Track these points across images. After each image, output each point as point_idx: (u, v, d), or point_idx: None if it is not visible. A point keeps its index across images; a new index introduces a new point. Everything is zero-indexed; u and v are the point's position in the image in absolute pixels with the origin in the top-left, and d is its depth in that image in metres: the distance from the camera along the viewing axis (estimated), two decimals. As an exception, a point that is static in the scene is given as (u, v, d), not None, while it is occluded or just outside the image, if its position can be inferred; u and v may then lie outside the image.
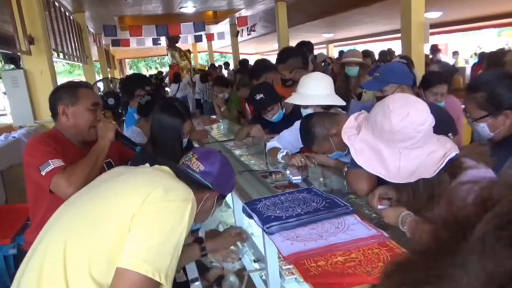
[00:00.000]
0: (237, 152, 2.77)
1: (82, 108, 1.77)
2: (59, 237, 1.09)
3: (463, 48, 14.58)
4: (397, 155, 1.27)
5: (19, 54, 4.09)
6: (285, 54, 3.30)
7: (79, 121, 1.78)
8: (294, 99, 2.39)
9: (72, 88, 1.82)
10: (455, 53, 11.49)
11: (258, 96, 2.72)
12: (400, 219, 1.27)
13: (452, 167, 1.26)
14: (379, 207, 1.43)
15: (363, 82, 3.12)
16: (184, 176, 1.28)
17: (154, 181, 1.16)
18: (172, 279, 1.06)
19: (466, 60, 11.54)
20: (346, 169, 1.91)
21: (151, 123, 2.10)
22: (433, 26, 5.05)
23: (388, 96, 1.39)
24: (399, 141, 1.27)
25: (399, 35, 5.81)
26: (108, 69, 13.07)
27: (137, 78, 3.20)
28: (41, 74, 4.21)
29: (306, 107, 2.34)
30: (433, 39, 8.15)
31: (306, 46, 3.96)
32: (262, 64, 3.57)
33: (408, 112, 1.25)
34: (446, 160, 1.24)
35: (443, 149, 1.27)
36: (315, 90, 2.30)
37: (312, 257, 1.15)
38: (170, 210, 1.06)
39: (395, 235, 1.25)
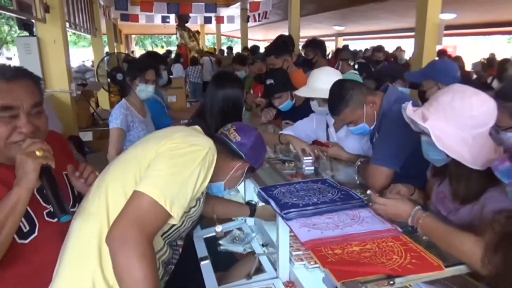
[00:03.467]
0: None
1: None
2: (102, 184, 1.21)
3: (472, 53, 14.51)
4: (471, 141, 1.26)
5: (33, 21, 4.07)
6: (278, 46, 3.31)
7: None
8: (300, 91, 2.41)
9: None
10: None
11: (269, 81, 2.74)
12: (413, 214, 1.31)
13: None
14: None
15: None
16: (221, 142, 1.38)
17: (179, 129, 1.31)
18: (181, 214, 1.11)
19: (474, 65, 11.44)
20: (359, 163, 1.95)
21: (204, 100, 2.09)
22: (445, 27, 4.99)
23: (454, 86, 1.33)
24: (474, 127, 1.26)
25: (409, 33, 5.78)
26: (115, 44, 12.96)
27: (155, 57, 3.20)
28: (54, 43, 4.20)
29: (313, 100, 2.33)
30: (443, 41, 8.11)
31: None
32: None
33: (487, 99, 1.26)
34: (501, 151, 1.27)
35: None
36: (323, 84, 2.20)
37: (329, 245, 1.19)
38: (185, 150, 1.15)
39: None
